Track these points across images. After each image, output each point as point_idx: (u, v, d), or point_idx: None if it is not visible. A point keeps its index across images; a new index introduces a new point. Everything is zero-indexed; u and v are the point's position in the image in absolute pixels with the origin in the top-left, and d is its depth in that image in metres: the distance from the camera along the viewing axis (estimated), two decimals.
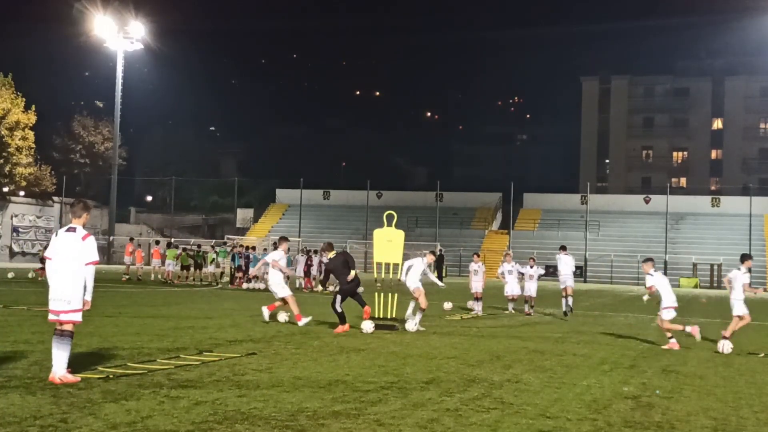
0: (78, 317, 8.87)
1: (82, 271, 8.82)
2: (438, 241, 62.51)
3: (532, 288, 22.58)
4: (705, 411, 8.59)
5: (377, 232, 18.07)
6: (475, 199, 74.40)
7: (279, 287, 16.59)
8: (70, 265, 8.78)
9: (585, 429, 7.49)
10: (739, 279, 14.36)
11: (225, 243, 43.13)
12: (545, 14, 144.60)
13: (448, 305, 22.89)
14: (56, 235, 9.08)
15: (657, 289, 14.51)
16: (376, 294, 16.77)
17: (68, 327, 8.84)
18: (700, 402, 9.13)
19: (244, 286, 32.58)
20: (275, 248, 19.00)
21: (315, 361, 11.16)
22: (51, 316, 8.86)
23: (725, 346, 14.10)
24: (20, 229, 61.12)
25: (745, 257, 14.69)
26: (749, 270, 14.62)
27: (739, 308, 14.39)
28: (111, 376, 9.10)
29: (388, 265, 17.93)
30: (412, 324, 16.19)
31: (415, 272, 16.84)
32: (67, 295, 8.75)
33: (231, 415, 7.40)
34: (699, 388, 10.08)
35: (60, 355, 8.72)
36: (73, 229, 8.94)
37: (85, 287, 8.85)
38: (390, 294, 17.75)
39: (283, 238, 17.83)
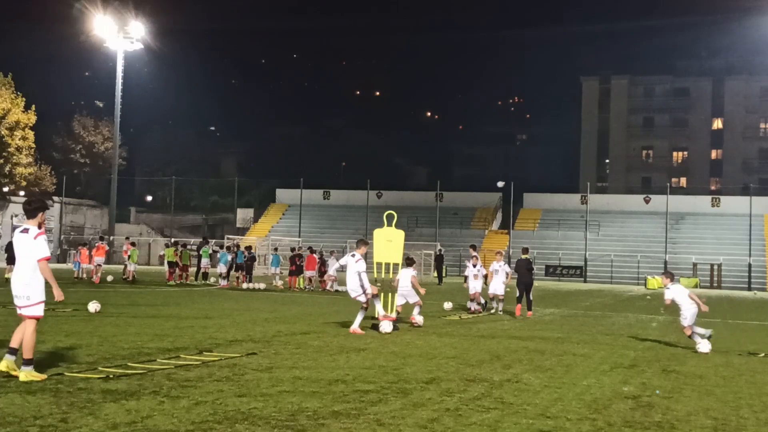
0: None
1: None
2: (438, 240, 62.49)
3: (477, 286, 22.21)
4: (705, 411, 8.59)
5: (377, 232, 18.09)
6: (475, 199, 74.35)
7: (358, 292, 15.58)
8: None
9: (585, 429, 7.49)
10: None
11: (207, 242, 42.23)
12: (545, 14, 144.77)
13: (448, 305, 22.91)
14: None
15: (676, 301, 14.47)
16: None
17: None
18: (700, 402, 9.13)
19: (244, 286, 32.57)
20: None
21: (315, 361, 11.15)
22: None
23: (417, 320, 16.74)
24: None
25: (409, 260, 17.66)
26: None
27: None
28: (111, 376, 9.10)
29: (388, 265, 17.96)
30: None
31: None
32: None
33: (231, 415, 7.39)
34: (699, 388, 10.08)
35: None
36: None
37: None
38: (390, 294, 17.77)
39: (362, 241, 16.48)
